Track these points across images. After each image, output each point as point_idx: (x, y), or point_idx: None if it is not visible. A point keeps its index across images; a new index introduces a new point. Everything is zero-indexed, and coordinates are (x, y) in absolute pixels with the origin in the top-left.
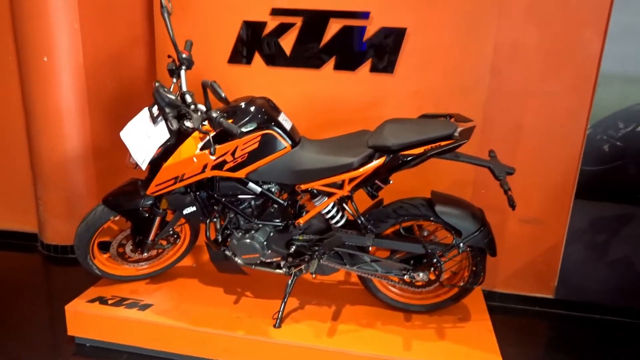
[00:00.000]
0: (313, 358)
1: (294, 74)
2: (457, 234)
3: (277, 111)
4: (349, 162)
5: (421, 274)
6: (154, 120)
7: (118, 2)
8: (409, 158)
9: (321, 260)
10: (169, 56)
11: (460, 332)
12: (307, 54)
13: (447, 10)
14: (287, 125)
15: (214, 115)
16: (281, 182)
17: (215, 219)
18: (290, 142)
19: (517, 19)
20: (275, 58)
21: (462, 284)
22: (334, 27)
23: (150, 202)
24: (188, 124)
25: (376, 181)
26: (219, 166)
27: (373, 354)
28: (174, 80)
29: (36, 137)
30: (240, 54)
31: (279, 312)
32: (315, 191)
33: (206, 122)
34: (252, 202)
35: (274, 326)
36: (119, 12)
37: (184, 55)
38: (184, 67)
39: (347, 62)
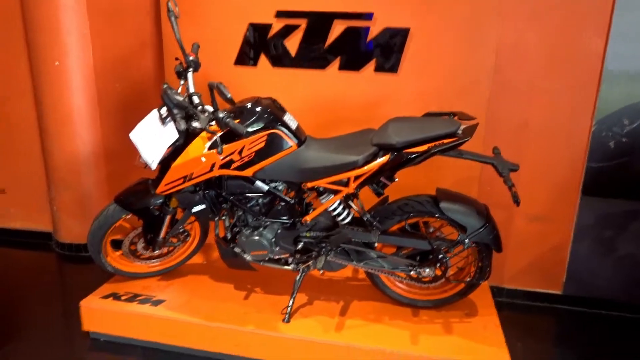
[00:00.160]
0: (322, 352)
1: (299, 74)
2: (462, 230)
3: (283, 111)
4: (354, 160)
5: (427, 270)
6: (163, 121)
7: (126, 7)
8: (413, 155)
9: (328, 257)
10: (177, 59)
11: (467, 327)
12: (312, 55)
13: (450, 10)
14: (293, 125)
15: (221, 115)
16: (288, 180)
17: (224, 217)
18: (296, 141)
19: (520, 18)
20: (280, 59)
21: (468, 279)
22: (338, 28)
23: (161, 200)
24: (196, 124)
25: (381, 179)
26: (226, 165)
27: (381, 348)
28: (182, 82)
29: (49, 139)
30: (247, 55)
31: (287, 307)
32: (321, 189)
33: (213, 123)
34: (260, 200)
35: (283, 321)
36: (127, 16)
37: (191, 58)
38: (191, 69)
39: (352, 63)
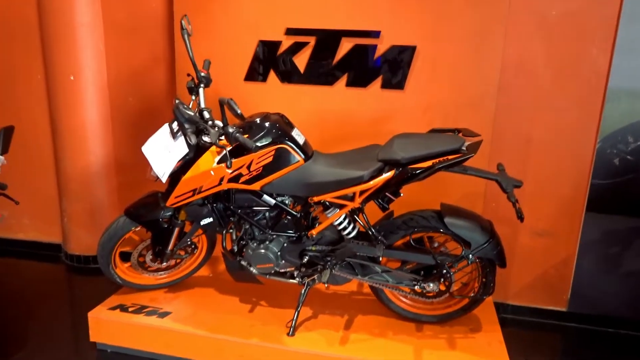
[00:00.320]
0: None
1: (307, 90)
2: (467, 246)
3: (291, 126)
4: (360, 175)
5: (431, 285)
6: (174, 135)
7: (141, 24)
8: (418, 171)
9: (333, 271)
10: (188, 75)
11: (471, 342)
12: (320, 72)
13: (456, 27)
14: (300, 140)
15: (231, 130)
16: (294, 194)
17: (231, 230)
18: (303, 156)
19: (525, 35)
20: (289, 75)
21: (472, 294)
22: (346, 46)
23: (170, 213)
24: (206, 138)
25: (387, 194)
26: (235, 179)
27: None
28: (193, 97)
29: (62, 151)
30: (256, 71)
31: (292, 320)
32: (327, 203)
33: (223, 137)
34: (267, 214)
35: (288, 334)
36: (141, 33)
37: (202, 74)
38: (202, 85)
39: (359, 79)
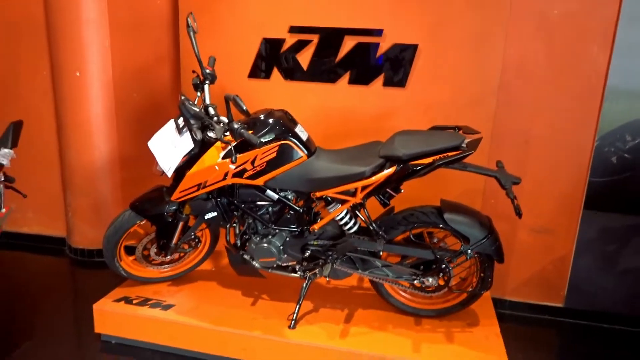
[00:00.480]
0: (326, 358)
1: (310, 87)
2: (465, 241)
3: (294, 123)
4: (362, 171)
5: (430, 279)
6: (180, 130)
7: (146, 21)
8: (418, 167)
9: (335, 265)
10: (194, 71)
11: (468, 336)
12: (323, 69)
13: (457, 27)
14: (304, 136)
15: (236, 126)
16: (297, 189)
17: (234, 224)
18: (306, 152)
19: (526, 36)
20: (293, 73)
21: (470, 289)
22: (348, 44)
23: (175, 207)
24: (211, 134)
25: (388, 190)
26: (239, 174)
27: (384, 355)
28: (198, 93)
29: (67, 146)
30: (260, 69)
31: (294, 313)
32: (329, 198)
33: (228, 133)
34: (270, 209)
35: (289, 327)
36: (146, 30)
37: (207, 71)
38: (207, 82)
39: (361, 77)
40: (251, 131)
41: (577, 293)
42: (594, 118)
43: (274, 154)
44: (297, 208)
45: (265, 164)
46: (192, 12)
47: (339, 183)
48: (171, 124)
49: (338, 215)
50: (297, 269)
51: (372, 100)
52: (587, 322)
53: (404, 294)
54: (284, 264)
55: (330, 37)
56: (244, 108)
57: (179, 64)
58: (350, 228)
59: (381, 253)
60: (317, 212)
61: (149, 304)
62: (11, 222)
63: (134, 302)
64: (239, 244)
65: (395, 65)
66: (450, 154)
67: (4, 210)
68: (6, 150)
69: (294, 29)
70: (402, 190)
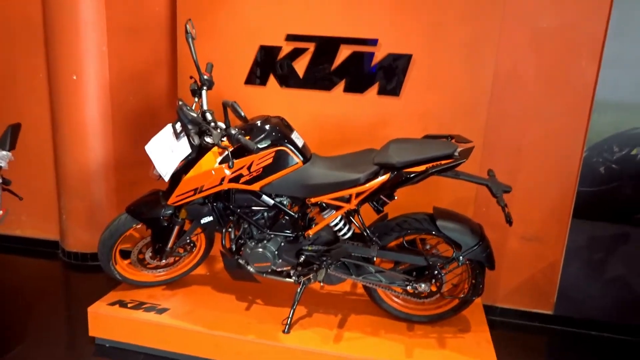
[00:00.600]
0: None
1: (306, 95)
2: (457, 248)
3: (290, 129)
4: (356, 177)
5: (423, 285)
6: (177, 135)
7: (144, 26)
8: (412, 175)
9: (329, 270)
10: (191, 77)
11: (460, 342)
12: (319, 77)
13: (451, 38)
14: (299, 143)
15: (233, 132)
16: (292, 195)
17: (230, 229)
18: (301, 158)
19: (517, 47)
20: (288, 80)
21: (462, 295)
22: (344, 53)
23: (170, 211)
24: (208, 139)
25: (381, 196)
26: (235, 179)
27: (376, 359)
28: (196, 99)
29: (62, 149)
30: (256, 75)
31: (288, 318)
32: (324, 204)
33: (225, 139)
34: (265, 214)
35: (283, 332)
36: (145, 35)
37: (205, 77)
38: (205, 88)
39: (356, 85)
40: (248, 137)
41: (566, 300)
42: (583, 129)
43: (270, 160)
44: (292, 213)
45: (261, 169)
46: (191, 19)
47: (334, 189)
48: (168, 128)
49: (332, 221)
50: (291, 274)
51: (366, 108)
52: (576, 329)
53: (396, 299)
54: (279, 269)
55: (326, 46)
56: (242, 114)
57: (176, 69)
58: (345, 234)
59: (375, 259)
60: (311, 217)
61: (144, 308)
62: (4, 225)
63: (129, 305)
64: (234, 249)
65: (390, 74)
66: (443, 162)
67: (1, 212)
68: (4, 152)
69: (290, 37)
70: (396, 197)
